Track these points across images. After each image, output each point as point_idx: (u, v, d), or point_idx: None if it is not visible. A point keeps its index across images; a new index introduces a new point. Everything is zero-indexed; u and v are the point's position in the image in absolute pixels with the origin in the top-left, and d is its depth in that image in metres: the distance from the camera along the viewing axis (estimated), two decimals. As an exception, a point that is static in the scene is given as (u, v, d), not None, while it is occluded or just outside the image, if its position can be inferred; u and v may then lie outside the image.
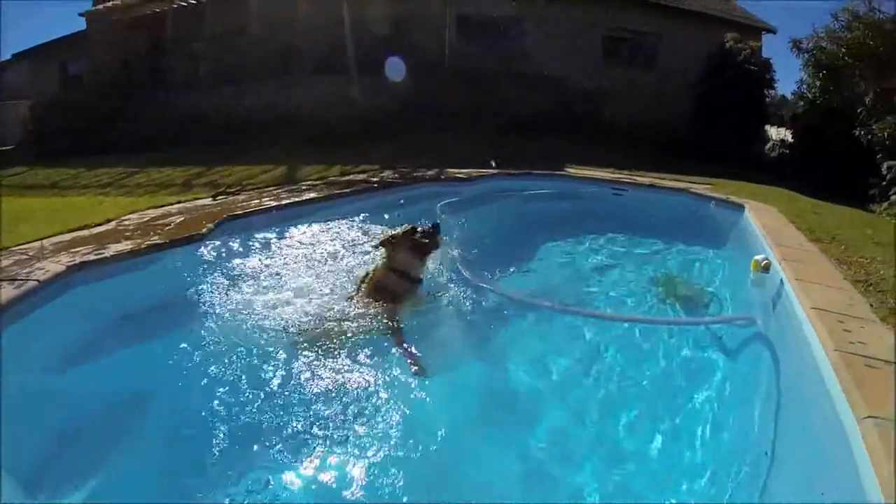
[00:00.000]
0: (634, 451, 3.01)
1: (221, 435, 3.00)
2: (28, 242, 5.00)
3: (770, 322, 3.65)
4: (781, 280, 3.72)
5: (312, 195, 7.13)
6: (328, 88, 14.31)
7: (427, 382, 3.41)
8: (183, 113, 14.80)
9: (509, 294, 4.68)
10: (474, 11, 15.99)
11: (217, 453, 2.90)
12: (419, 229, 4.49)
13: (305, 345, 3.75)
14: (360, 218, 6.39)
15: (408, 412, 3.13)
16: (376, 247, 4.60)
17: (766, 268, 3.91)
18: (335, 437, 2.99)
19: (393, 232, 4.59)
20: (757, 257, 3.99)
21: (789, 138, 17.03)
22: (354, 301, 4.25)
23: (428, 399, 3.30)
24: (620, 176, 8.89)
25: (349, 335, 3.85)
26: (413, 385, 3.39)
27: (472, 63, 15.32)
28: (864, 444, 1.85)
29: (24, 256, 4.50)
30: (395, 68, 13.83)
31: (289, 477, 2.76)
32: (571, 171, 9.32)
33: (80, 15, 18.68)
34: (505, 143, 12.26)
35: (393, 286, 4.28)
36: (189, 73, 16.76)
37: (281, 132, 12.72)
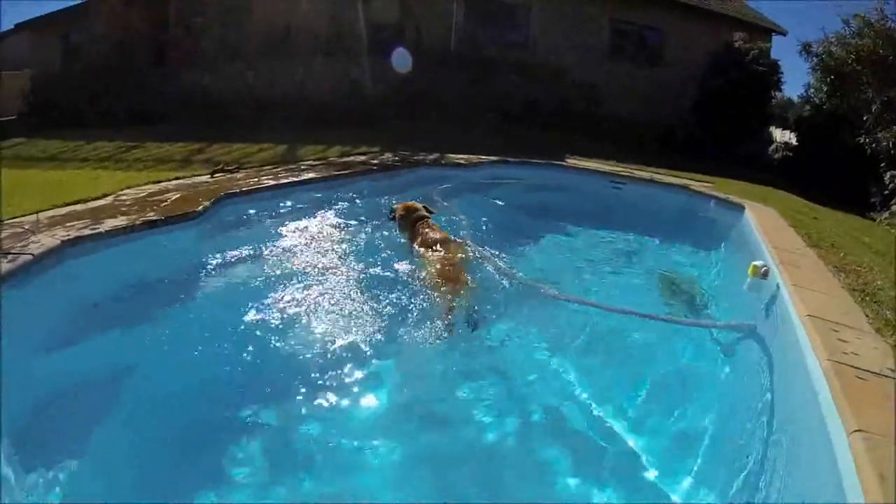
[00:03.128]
0: (619, 451, 3.00)
1: (207, 409, 3.05)
2: (24, 215, 4.96)
3: (765, 327, 3.63)
4: (778, 284, 3.70)
5: (311, 175, 7.12)
6: (331, 70, 14.20)
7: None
8: (183, 89, 14.69)
9: (516, 275, 4.67)
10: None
11: (199, 427, 2.95)
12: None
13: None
14: (358, 199, 6.40)
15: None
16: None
17: (765, 274, 3.88)
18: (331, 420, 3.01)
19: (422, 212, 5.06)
20: (756, 263, 3.97)
21: (793, 141, 17.00)
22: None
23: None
24: (619, 169, 8.87)
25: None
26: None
27: (477, 50, 15.22)
28: (851, 458, 1.83)
29: (20, 230, 4.47)
30: (402, 59, 13.72)
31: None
32: (571, 161, 9.28)
33: (83, -13, 18.55)
34: (505, 131, 12.23)
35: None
36: (190, 49, 16.59)
37: (281, 112, 12.63)
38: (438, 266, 4.42)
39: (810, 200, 9.56)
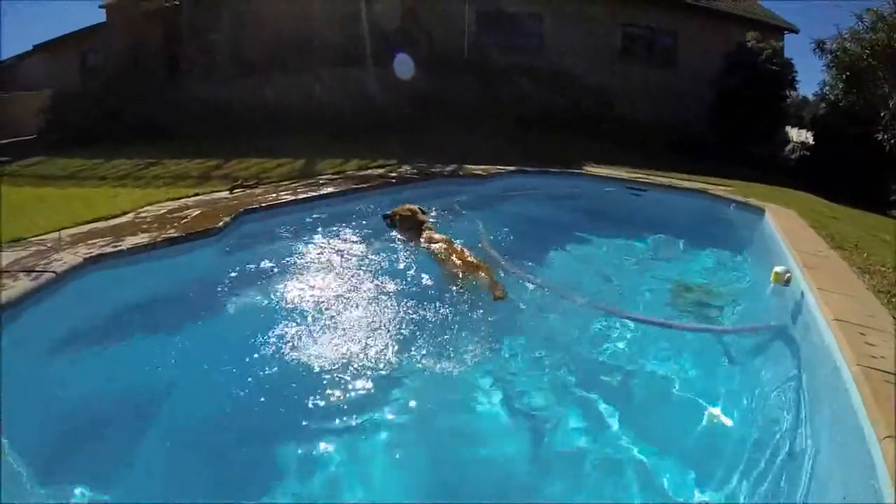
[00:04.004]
0: (645, 456, 2.97)
1: (229, 432, 3.04)
2: (46, 233, 5.03)
3: (792, 331, 3.58)
4: (802, 291, 3.65)
5: (330, 189, 7.14)
6: (345, 81, 14.27)
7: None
8: (199, 104, 14.83)
9: (542, 283, 4.71)
10: (494, 6, 15.91)
11: (222, 449, 2.94)
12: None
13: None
14: (379, 212, 6.41)
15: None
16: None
17: (788, 281, 3.84)
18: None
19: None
20: (778, 269, 3.92)
21: (810, 140, 16.83)
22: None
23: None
24: (637, 175, 8.81)
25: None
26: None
27: (489, 58, 15.25)
28: (885, 464, 1.81)
29: (43, 247, 4.54)
30: (404, 65, 13.79)
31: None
32: (588, 169, 9.25)
33: (101, 7, 18.90)
34: (519, 139, 12.20)
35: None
36: (205, 64, 16.80)
37: (296, 125, 12.70)
38: (454, 258, 4.79)
39: (828, 199, 9.45)
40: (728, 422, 3.23)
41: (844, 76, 13.15)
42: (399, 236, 5.58)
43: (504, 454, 3.07)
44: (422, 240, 5.29)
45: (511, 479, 2.90)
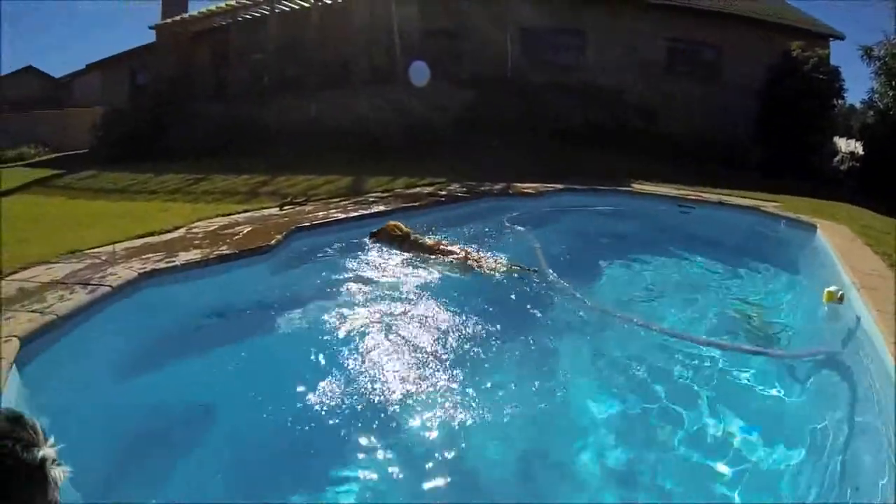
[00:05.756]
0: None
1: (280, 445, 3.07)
2: (100, 246, 5.20)
3: (849, 356, 3.45)
4: (858, 315, 3.52)
5: (381, 208, 7.18)
6: (387, 99, 14.42)
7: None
8: (243, 122, 15.19)
9: (592, 303, 4.73)
10: (534, 23, 15.91)
11: (275, 465, 2.96)
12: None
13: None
14: (432, 231, 6.50)
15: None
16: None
17: (841, 299, 3.73)
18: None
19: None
20: (830, 289, 3.81)
21: (859, 150, 16.28)
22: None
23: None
24: (686, 192, 8.64)
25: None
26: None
27: (532, 75, 15.23)
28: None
29: (97, 260, 4.69)
30: (420, 73, 13.91)
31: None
32: (636, 186, 9.12)
33: (151, 28, 19.60)
34: (563, 156, 12.12)
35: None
36: (250, 83, 17.22)
37: (341, 143, 12.84)
38: (457, 255, 5.70)
39: (880, 213, 9.10)
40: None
41: (894, 83, 12.72)
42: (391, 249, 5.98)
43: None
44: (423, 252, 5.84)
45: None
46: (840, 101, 15.65)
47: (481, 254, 5.80)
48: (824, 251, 5.42)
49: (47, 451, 1.20)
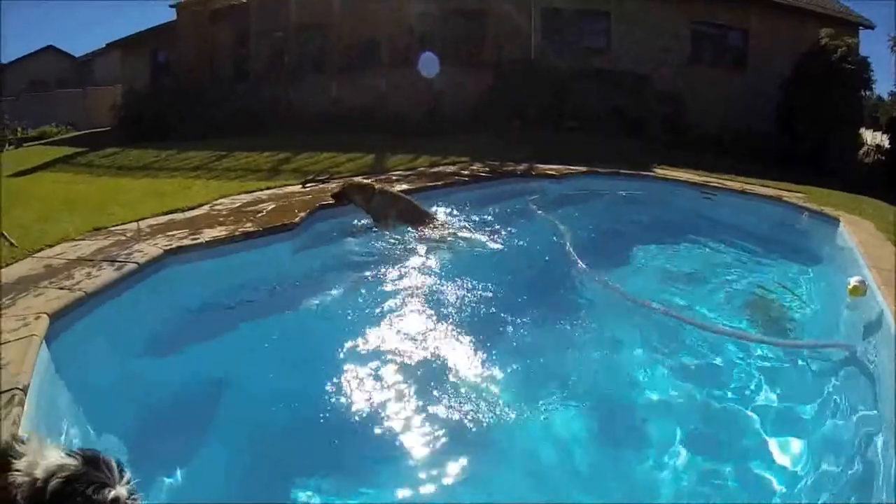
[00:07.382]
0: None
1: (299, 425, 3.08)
2: (124, 223, 5.21)
3: (871, 353, 3.35)
4: (882, 310, 3.43)
5: (405, 186, 7.09)
6: (411, 81, 14.35)
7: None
8: (266, 102, 15.18)
9: (615, 287, 4.69)
10: (560, 6, 15.72)
11: (291, 443, 2.98)
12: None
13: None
14: (456, 211, 6.44)
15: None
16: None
17: (864, 292, 3.65)
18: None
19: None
20: (853, 281, 3.72)
21: (885, 143, 15.92)
22: None
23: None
24: (709, 179, 8.51)
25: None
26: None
27: (556, 61, 15.03)
28: None
29: (123, 237, 4.70)
30: (430, 64, 13.82)
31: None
32: (659, 171, 9.00)
33: (171, 6, 19.55)
34: (586, 142, 11.99)
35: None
36: (272, 63, 17.18)
37: (363, 123, 12.82)
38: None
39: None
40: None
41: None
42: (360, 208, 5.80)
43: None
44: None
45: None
46: (868, 93, 15.31)
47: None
48: (847, 246, 5.23)
49: (120, 490, 1.22)
